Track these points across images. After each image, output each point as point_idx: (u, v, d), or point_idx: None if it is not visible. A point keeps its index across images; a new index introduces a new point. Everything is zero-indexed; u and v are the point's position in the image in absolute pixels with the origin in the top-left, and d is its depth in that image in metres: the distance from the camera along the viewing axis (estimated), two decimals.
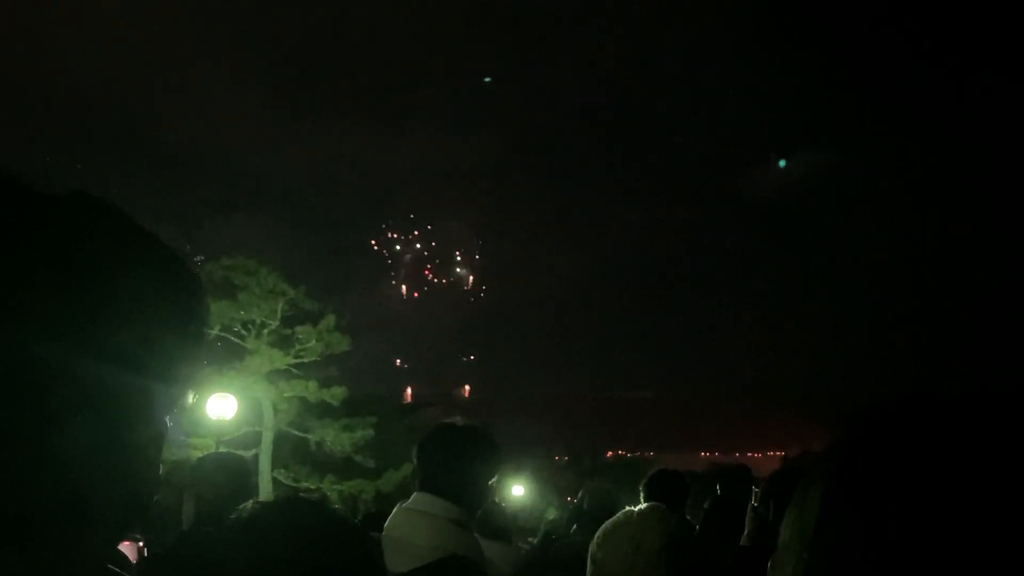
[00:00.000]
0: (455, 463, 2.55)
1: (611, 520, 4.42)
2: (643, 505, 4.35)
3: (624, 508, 4.95)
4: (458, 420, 2.74)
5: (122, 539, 0.72)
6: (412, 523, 2.43)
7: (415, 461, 2.62)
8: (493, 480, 2.66)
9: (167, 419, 0.73)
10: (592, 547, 4.26)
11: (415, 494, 2.56)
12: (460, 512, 2.49)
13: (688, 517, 5.28)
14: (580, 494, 5.61)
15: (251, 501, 1.21)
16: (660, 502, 4.54)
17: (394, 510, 2.56)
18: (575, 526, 7.53)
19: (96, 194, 0.72)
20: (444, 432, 2.69)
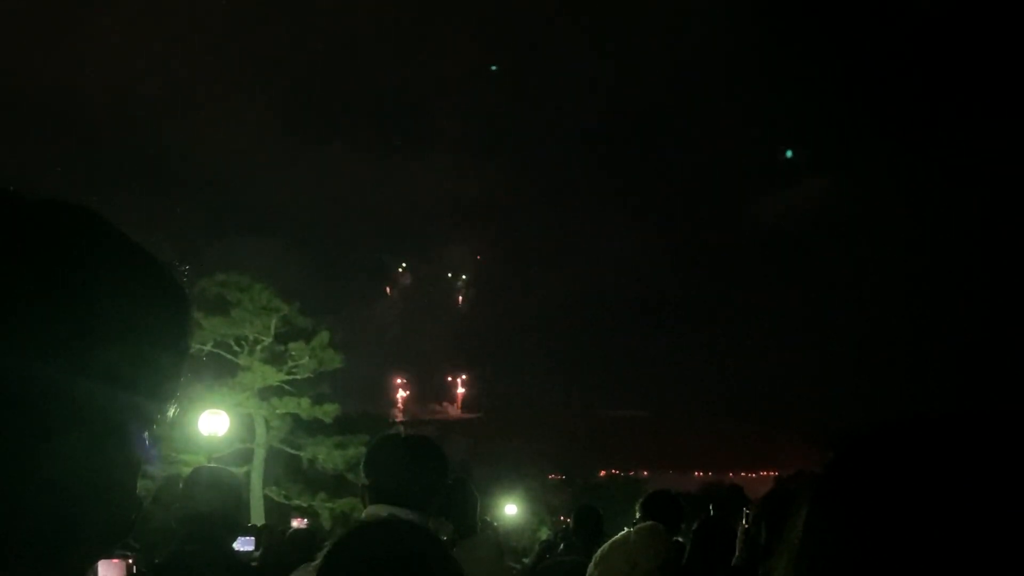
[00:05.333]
0: (406, 472, 2.59)
1: (609, 541, 4.42)
2: (641, 525, 4.36)
3: (614, 528, 4.95)
4: (401, 431, 2.78)
5: (100, 558, 0.71)
6: None
7: (364, 476, 2.65)
8: (443, 481, 2.72)
9: (146, 435, 0.72)
10: (589, 567, 4.26)
11: (370, 507, 2.58)
12: (420, 518, 2.50)
13: (680, 539, 5.26)
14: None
15: (354, 523, 1.22)
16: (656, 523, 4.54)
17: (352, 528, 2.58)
18: (562, 546, 7.52)
19: (86, 206, 0.71)
20: (390, 444, 2.74)
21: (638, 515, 4.88)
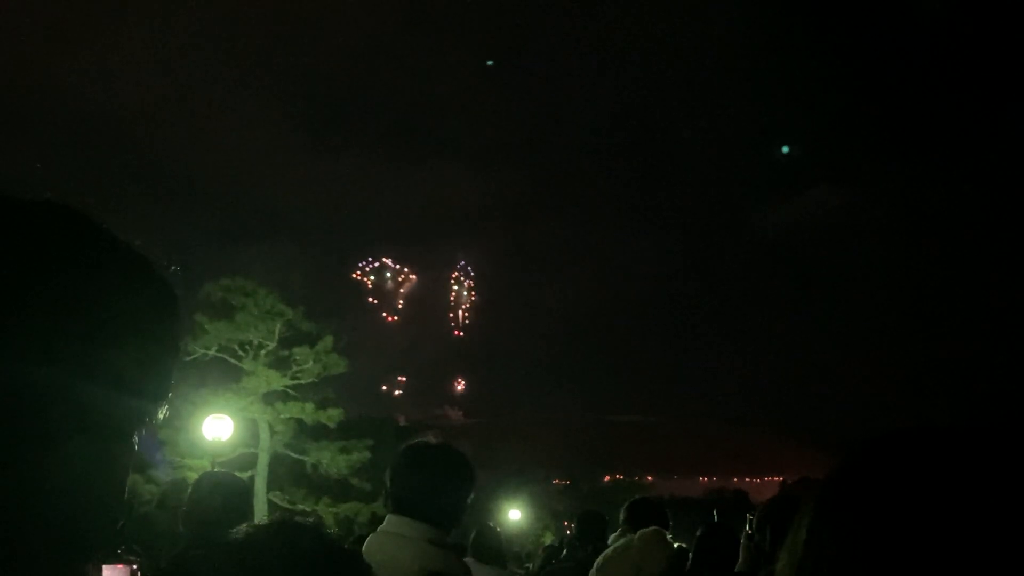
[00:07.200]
0: (428, 484, 2.52)
1: (612, 547, 4.43)
2: (644, 530, 4.37)
3: (615, 534, 4.94)
4: (431, 440, 2.70)
5: (90, 563, 0.71)
6: (390, 546, 2.43)
7: (388, 483, 2.59)
8: (468, 499, 2.63)
9: (136, 438, 0.72)
10: (592, 572, 4.26)
11: (389, 516, 2.54)
12: (436, 533, 2.47)
13: (683, 544, 5.26)
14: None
15: (245, 524, 1.21)
16: (637, 530, 4.55)
17: (370, 535, 2.55)
18: (565, 551, 7.51)
19: (77, 207, 0.72)
20: (415, 453, 2.64)
21: (621, 521, 4.89)
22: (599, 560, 4.14)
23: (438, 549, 2.46)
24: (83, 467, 0.66)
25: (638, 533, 4.11)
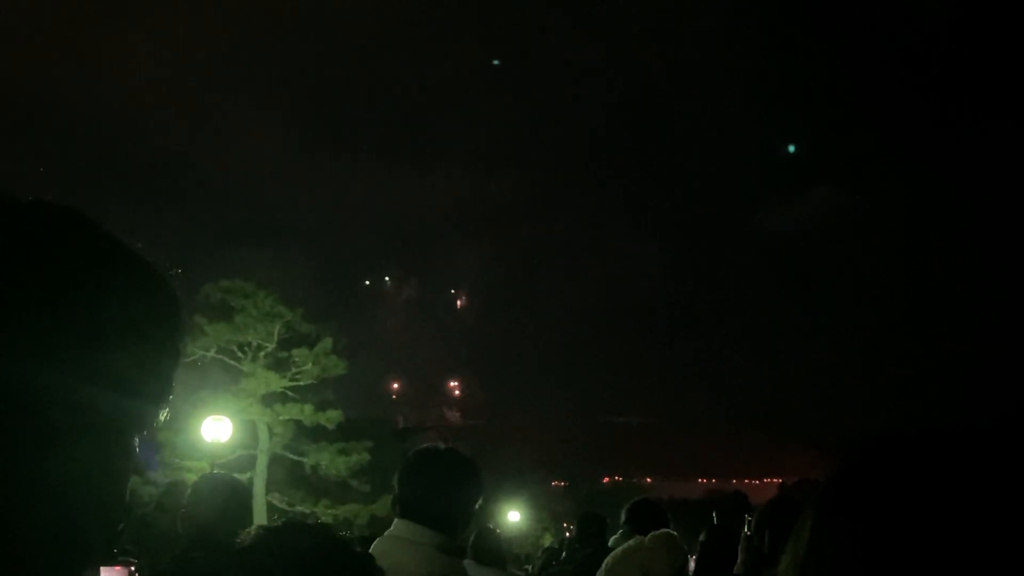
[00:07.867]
0: (436, 490, 2.51)
1: (621, 548, 4.43)
2: (655, 532, 4.37)
3: (616, 535, 4.94)
4: (440, 445, 2.69)
5: (91, 566, 0.71)
6: (397, 551, 2.43)
7: (396, 487, 2.58)
8: (476, 505, 2.62)
9: (137, 441, 0.72)
10: (600, 573, 4.26)
11: (396, 521, 2.54)
12: (443, 538, 2.47)
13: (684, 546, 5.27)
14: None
15: (254, 526, 1.21)
16: (638, 531, 4.55)
17: (377, 539, 2.55)
18: (564, 553, 7.51)
19: (75, 207, 0.71)
20: (425, 458, 2.63)
21: (623, 522, 4.89)
22: (608, 560, 4.14)
23: (444, 555, 2.46)
24: (83, 469, 0.65)
25: (649, 535, 4.10)
